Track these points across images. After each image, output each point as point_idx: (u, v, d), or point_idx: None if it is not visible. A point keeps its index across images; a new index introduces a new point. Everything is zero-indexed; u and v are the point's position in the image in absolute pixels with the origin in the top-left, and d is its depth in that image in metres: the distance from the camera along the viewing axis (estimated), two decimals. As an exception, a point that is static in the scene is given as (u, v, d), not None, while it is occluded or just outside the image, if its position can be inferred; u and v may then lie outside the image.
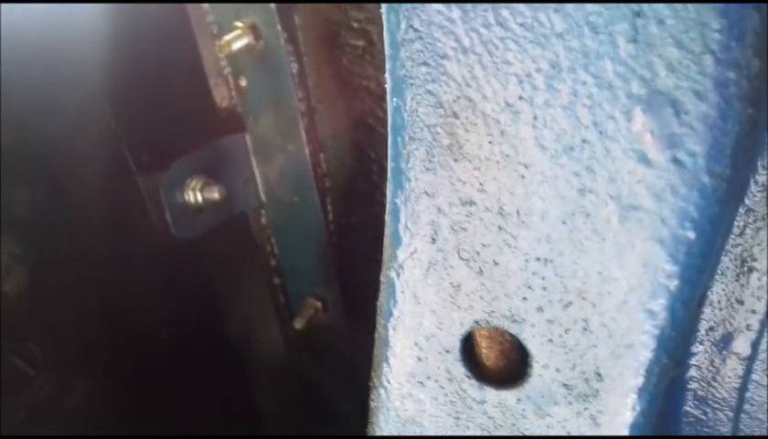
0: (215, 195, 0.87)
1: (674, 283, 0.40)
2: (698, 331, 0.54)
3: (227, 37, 0.84)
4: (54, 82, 0.77)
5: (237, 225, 0.98)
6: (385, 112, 0.89)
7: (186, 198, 0.86)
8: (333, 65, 0.88)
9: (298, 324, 0.96)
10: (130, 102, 0.85)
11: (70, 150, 0.80)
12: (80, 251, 0.80)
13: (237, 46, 0.85)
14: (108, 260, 0.83)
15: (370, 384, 0.54)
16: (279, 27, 0.84)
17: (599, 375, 0.44)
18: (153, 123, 0.88)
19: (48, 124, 0.77)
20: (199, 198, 0.87)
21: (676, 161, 0.38)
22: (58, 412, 0.77)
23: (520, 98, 0.41)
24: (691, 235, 0.39)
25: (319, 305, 0.98)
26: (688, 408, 0.57)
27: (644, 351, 0.43)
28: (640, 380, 0.43)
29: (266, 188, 0.96)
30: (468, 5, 0.40)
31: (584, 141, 0.40)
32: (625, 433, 0.45)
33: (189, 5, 0.89)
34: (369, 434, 0.56)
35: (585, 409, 0.46)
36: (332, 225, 0.96)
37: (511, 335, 0.47)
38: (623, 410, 0.45)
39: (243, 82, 0.92)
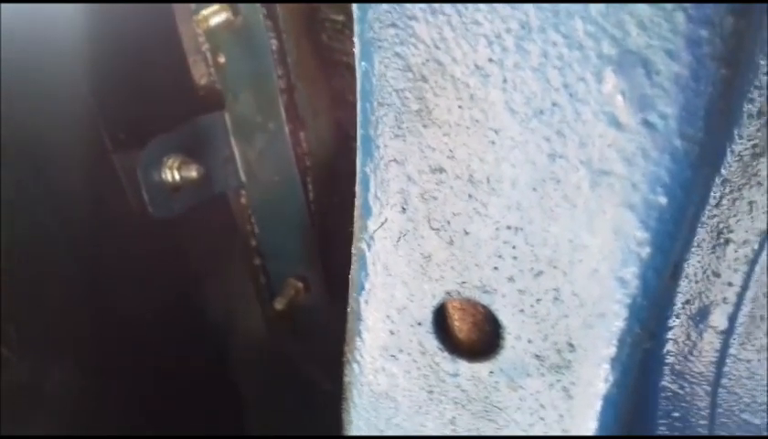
0: (193, 173, 0.86)
1: (645, 251, 0.40)
2: (675, 304, 0.54)
3: (204, 12, 0.83)
4: (31, 61, 0.76)
5: (217, 205, 0.97)
6: (365, 88, 0.88)
7: (164, 176, 0.85)
8: (313, 41, 0.86)
9: (279, 304, 0.95)
10: (107, 80, 0.83)
11: (48, 129, 0.78)
12: (59, 232, 0.78)
13: (215, 21, 0.83)
14: (87, 241, 0.82)
15: (343, 360, 0.53)
16: (257, 3, 0.82)
17: (571, 346, 0.44)
18: (130, 101, 0.86)
19: (25, 103, 0.75)
20: (177, 176, 0.85)
21: (647, 124, 0.37)
22: (36, 395, 0.75)
23: (490, 60, 0.39)
24: (663, 200, 0.38)
25: (300, 285, 0.97)
26: (665, 383, 0.57)
27: (615, 321, 0.42)
28: (612, 350, 0.43)
29: (246, 168, 0.94)
30: (435, -36, 0.39)
31: (554, 104, 0.39)
32: (598, 404, 0.44)
33: (166, -19, 0.88)
34: (344, 410, 0.55)
35: (558, 380, 0.45)
36: (313, 205, 0.94)
37: (483, 306, 0.46)
38: (595, 381, 0.44)
39: (222, 59, 0.90)
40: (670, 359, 0.55)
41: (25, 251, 0.75)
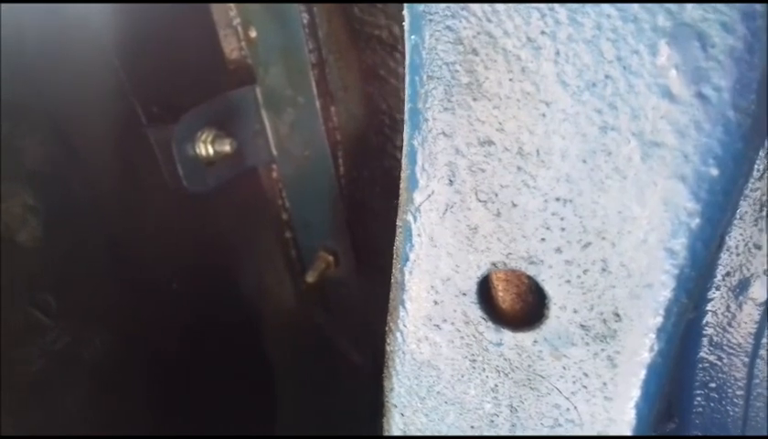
0: (226, 147, 0.87)
1: (695, 222, 0.40)
2: (715, 276, 0.54)
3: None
4: (64, 36, 0.77)
5: (248, 179, 0.97)
6: (397, 62, 0.88)
7: (198, 150, 0.86)
8: (344, 15, 0.86)
9: (310, 277, 0.96)
10: (139, 55, 0.84)
11: (82, 103, 0.79)
12: (94, 205, 0.80)
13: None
14: (121, 213, 0.83)
15: (386, 329, 0.54)
16: (289, -23, 0.82)
17: (617, 315, 0.44)
18: (162, 75, 0.87)
19: (59, 77, 0.76)
20: (210, 150, 0.86)
21: (700, 96, 0.38)
22: (75, 362, 0.77)
23: (542, 33, 0.40)
24: (714, 172, 0.39)
25: (331, 258, 0.98)
26: (703, 354, 0.57)
27: (663, 291, 0.42)
28: (659, 320, 0.43)
29: (277, 142, 0.95)
30: (489, -63, 0.39)
31: (607, 76, 0.39)
32: (643, 373, 0.45)
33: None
34: (385, 378, 0.56)
35: (602, 350, 0.46)
36: (343, 179, 0.95)
37: (528, 277, 0.47)
38: (641, 350, 0.44)
39: (253, 33, 0.91)
40: (709, 331, 0.56)
41: (59, 224, 0.76)
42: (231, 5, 0.90)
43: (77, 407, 0.78)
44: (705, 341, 0.56)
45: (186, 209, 0.90)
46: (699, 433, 0.59)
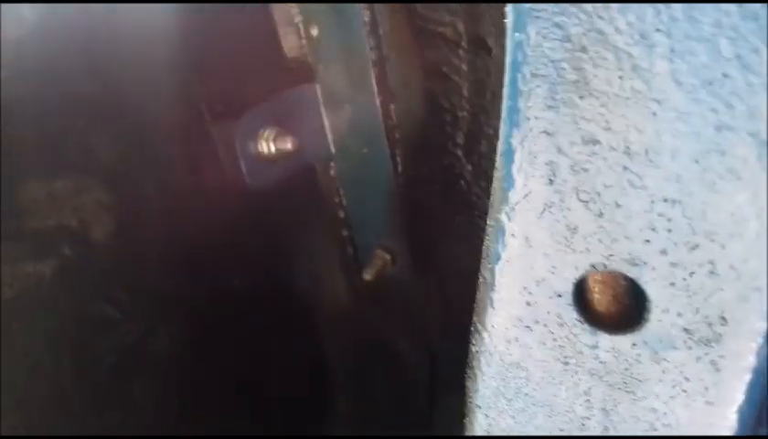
0: (287, 145, 0.87)
1: (811, 224, 0.39)
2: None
3: (300, -16, 0.83)
4: (134, 37, 0.77)
5: (305, 177, 0.97)
6: (461, 59, 0.88)
7: (260, 148, 0.86)
8: (406, 12, 0.86)
9: (368, 275, 0.96)
10: (204, 53, 0.84)
11: (151, 101, 0.80)
12: (162, 203, 0.80)
13: (310, -8, 0.83)
14: (187, 211, 0.83)
15: (472, 328, 0.54)
16: (351, -25, 0.82)
17: (723, 319, 0.43)
18: (225, 73, 0.87)
19: (129, 77, 0.77)
20: (272, 148, 0.86)
21: (825, 95, 0.37)
22: (144, 355, 0.78)
23: (657, 30, 0.39)
24: (835, 173, 0.38)
25: (388, 257, 0.98)
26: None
27: (773, 294, 0.42)
28: (766, 324, 0.42)
29: (336, 139, 0.95)
30: (606, -68, 0.38)
31: (725, 75, 0.38)
32: (747, 377, 0.44)
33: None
34: (469, 379, 0.56)
35: (706, 354, 0.45)
36: (401, 177, 0.95)
37: (626, 278, 0.46)
38: (746, 354, 0.43)
39: (314, 31, 0.90)
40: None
41: (131, 221, 0.77)
42: (293, 3, 0.90)
43: (148, 402, 0.78)
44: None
45: (247, 207, 0.91)
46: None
